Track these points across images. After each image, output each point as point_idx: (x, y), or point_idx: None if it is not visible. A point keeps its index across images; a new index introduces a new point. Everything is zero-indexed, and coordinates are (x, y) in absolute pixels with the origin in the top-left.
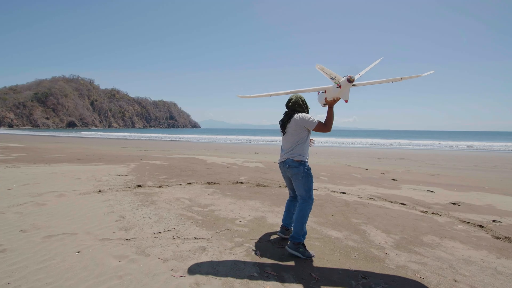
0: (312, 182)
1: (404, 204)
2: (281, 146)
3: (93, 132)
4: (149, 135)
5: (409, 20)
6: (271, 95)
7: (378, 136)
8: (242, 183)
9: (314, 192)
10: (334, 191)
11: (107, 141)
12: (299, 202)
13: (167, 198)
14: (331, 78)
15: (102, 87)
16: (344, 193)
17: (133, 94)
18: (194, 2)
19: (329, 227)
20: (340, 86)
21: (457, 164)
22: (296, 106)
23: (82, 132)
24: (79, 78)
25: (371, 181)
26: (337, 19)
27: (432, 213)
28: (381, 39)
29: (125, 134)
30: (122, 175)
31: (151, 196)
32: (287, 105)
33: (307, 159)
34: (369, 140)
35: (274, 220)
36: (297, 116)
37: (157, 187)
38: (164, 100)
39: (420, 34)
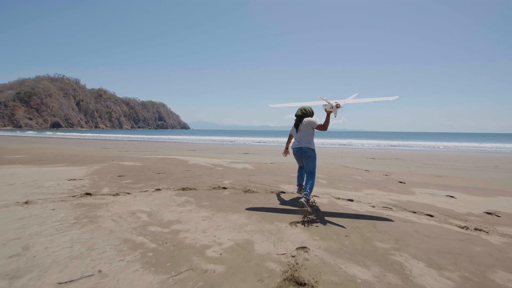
0: (316, 162)
1: (431, 216)
2: (295, 138)
3: (75, 133)
4: (135, 136)
5: (408, 18)
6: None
7: (368, 137)
8: (225, 188)
9: (315, 202)
10: (339, 198)
11: (90, 141)
12: (308, 175)
13: (118, 212)
14: (326, 103)
15: (89, 87)
16: (351, 200)
17: (121, 94)
18: (186, 2)
19: (348, 259)
20: (332, 107)
21: (456, 164)
22: (308, 113)
23: (58, 133)
24: (65, 77)
25: (377, 185)
26: (333, 17)
27: (475, 229)
28: (380, 37)
29: (111, 135)
30: (74, 180)
31: (96, 210)
32: (298, 112)
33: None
34: (360, 141)
35: (265, 247)
36: (307, 119)
37: (113, 195)
38: (153, 100)
39: (417, 32)
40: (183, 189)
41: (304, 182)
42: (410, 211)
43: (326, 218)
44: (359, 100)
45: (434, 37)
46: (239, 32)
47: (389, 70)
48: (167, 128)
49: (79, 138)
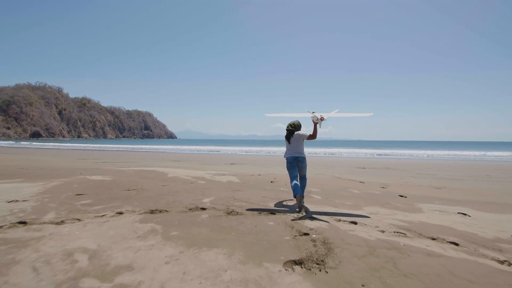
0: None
1: (456, 245)
2: (288, 149)
3: (55, 143)
4: (119, 145)
5: (404, 25)
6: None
7: (354, 146)
8: (204, 209)
9: (313, 225)
10: (340, 220)
11: (69, 152)
12: (302, 179)
13: (49, 253)
14: (313, 116)
15: (72, 95)
16: (355, 223)
17: (106, 103)
18: (172, 11)
19: None
20: (318, 119)
21: (449, 174)
22: (297, 127)
23: (34, 143)
24: (47, 85)
25: (378, 200)
26: (325, 21)
27: None
28: (376, 45)
29: (93, 145)
30: (16, 201)
31: (20, 250)
32: (288, 127)
33: None
34: (347, 150)
35: None
36: (296, 133)
37: (56, 223)
38: (139, 110)
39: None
40: (152, 211)
41: (300, 186)
42: (429, 238)
43: (331, 252)
44: (340, 114)
45: (425, 45)
46: (226, 42)
47: (379, 79)
48: (153, 137)
49: (58, 148)
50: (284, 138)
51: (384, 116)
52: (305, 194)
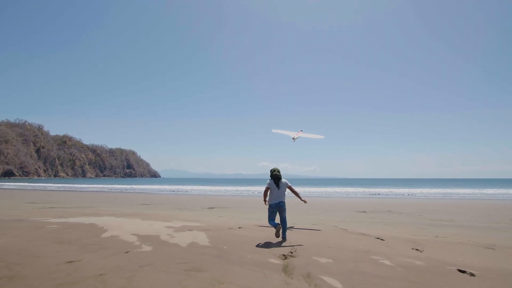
0: None
1: None
2: (275, 194)
3: (19, 183)
4: (89, 185)
5: (398, 55)
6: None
7: (341, 184)
8: None
9: None
10: None
11: (23, 193)
12: (283, 222)
13: None
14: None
15: (53, 133)
16: None
17: (88, 141)
18: (158, 47)
19: None
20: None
21: (473, 220)
22: (279, 174)
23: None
24: (26, 123)
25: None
26: (315, 53)
27: None
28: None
29: (63, 184)
30: None
31: None
32: (276, 172)
33: None
34: (338, 189)
35: None
36: (284, 180)
37: None
38: (122, 148)
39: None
40: None
41: (281, 227)
42: None
43: None
44: (304, 135)
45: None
46: (210, 78)
47: (362, 116)
48: (136, 176)
49: (17, 189)
50: (269, 181)
51: (369, 153)
52: (313, 276)
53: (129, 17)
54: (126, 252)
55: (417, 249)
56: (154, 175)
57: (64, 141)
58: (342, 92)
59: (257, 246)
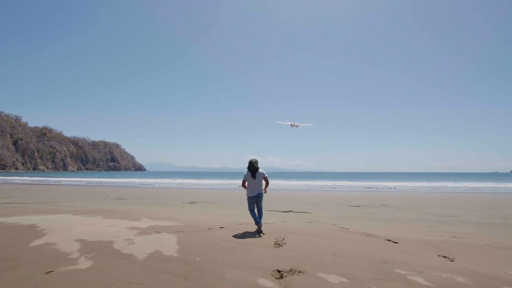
0: None
1: None
2: (252, 185)
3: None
4: (69, 179)
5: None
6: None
7: (328, 177)
8: None
9: None
10: None
11: None
12: (260, 211)
13: None
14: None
15: (32, 124)
16: None
17: (69, 133)
18: (138, 45)
19: None
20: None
21: (477, 215)
22: (257, 165)
23: None
24: (3, 113)
25: None
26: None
27: None
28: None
29: (40, 178)
30: None
31: None
32: (254, 164)
33: None
34: (324, 182)
35: None
36: (260, 170)
37: None
38: (105, 140)
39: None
40: None
41: (258, 215)
42: None
43: None
44: (298, 124)
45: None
46: (199, 73)
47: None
48: (120, 170)
49: None
50: (245, 172)
51: (353, 148)
52: None
53: (117, 11)
54: (48, 272)
55: (444, 256)
56: (139, 168)
57: (44, 133)
58: (330, 88)
59: (242, 255)
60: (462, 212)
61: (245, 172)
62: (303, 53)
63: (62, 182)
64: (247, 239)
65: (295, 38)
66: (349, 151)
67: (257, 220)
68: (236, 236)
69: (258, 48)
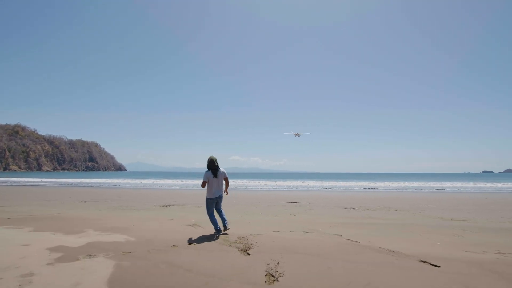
0: None
1: None
2: (215, 186)
3: None
4: (36, 179)
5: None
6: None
7: (312, 178)
8: None
9: None
10: None
11: None
12: (221, 211)
13: None
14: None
15: (3, 122)
16: None
17: (44, 132)
18: (126, 46)
19: None
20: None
21: (488, 218)
22: (217, 163)
23: None
24: None
25: None
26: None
27: None
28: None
29: (7, 179)
30: None
31: None
32: (214, 162)
33: None
34: (312, 183)
35: None
36: (221, 170)
37: None
38: (83, 139)
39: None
40: None
41: (221, 217)
42: None
43: None
44: (300, 133)
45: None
46: (183, 74)
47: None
48: (99, 170)
49: None
50: (206, 172)
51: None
52: None
53: (106, 8)
54: None
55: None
56: (119, 168)
57: (16, 131)
58: (330, 88)
59: None
60: (471, 214)
61: (205, 172)
62: (297, 52)
63: (23, 183)
64: (225, 266)
65: (295, 38)
66: (349, 151)
67: (217, 226)
68: (209, 260)
69: (248, 47)
